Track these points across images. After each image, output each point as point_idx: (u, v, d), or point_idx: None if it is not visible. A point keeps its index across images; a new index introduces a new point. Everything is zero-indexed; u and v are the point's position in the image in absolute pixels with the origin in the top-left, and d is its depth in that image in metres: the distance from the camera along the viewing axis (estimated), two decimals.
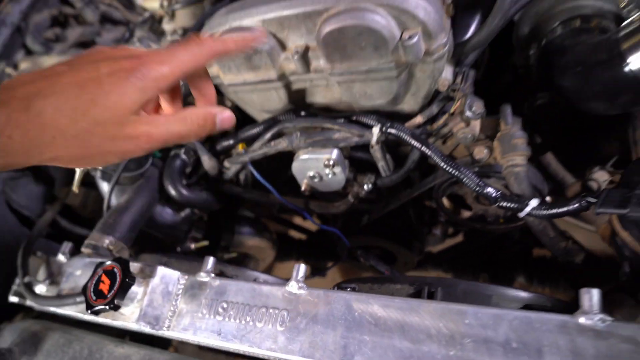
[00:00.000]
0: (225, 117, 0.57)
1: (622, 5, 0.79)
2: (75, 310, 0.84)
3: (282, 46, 0.84)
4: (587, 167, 0.98)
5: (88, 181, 1.21)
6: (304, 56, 0.81)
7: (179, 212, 1.18)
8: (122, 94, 0.46)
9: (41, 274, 0.98)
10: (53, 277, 0.95)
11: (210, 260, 0.79)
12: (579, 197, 0.66)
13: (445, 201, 1.02)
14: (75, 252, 0.99)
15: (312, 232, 1.70)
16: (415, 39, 0.71)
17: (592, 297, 0.51)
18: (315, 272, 1.47)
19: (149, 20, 1.14)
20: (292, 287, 0.68)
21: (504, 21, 0.78)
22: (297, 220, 1.65)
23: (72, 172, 1.22)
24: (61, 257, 0.97)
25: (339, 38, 0.75)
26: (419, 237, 1.26)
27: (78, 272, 0.88)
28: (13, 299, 0.97)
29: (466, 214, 1.04)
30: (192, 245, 1.20)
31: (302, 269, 0.69)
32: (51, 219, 1.13)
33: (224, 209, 1.20)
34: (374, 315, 0.60)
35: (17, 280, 0.98)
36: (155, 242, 1.20)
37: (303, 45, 0.81)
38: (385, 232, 1.21)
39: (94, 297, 0.73)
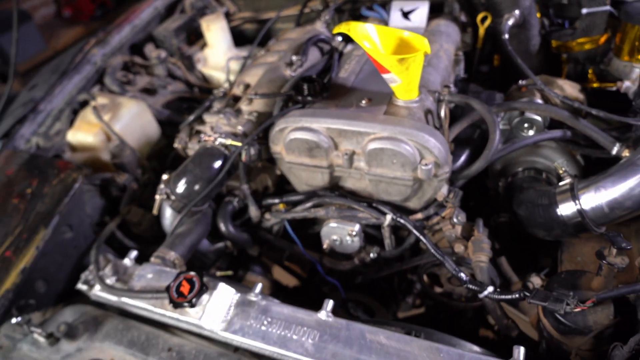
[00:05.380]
0: None
1: (560, 171, 1.20)
2: (148, 304, 1.08)
3: (335, 146, 1.20)
4: (527, 271, 1.36)
5: (147, 204, 1.49)
6: (351, 157, 1.17)
7: (213, 245, 1.46)
8: None
9: (108, 271, 1.22)
10: (118, 276, 1.20)
11: (259, 286, 1.08)
12: (519, 291, 1.01)
13: (425, 277, 1.36)
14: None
15: (299, 280, 1.98)
16: (429, 166, 1.09)
17: (520, 352, 0.85)
18: None
19: (225, 97, 1.47)
20: (322, 315, 0.99)
21: (487, 164, 1.18)
22: (293, 267, 1.94)
23: (136, 194, 1.50)
24: (127, 262, 1.23)
25: (379, 153, 1.12)
26: (396, 301, 1.58)
27: (149, 275, 1.14)
28: (82, 286, 1.20)
29: (437, 289, 1.38)
30: (217, 273, 1.47)
31: (330, 303, 1.00)
32: (113, 228, 1.39)
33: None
34: (380, 343, 0.92)
35: (88, 272, 1.22)
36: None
37: (351, 150, 1.17)
38: (371, 291, 1.52)
39: (176, 296, 1.01)
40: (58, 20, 5.48)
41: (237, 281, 1.57)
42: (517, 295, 1.02)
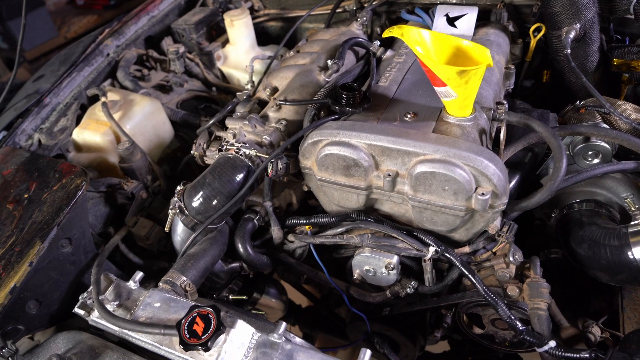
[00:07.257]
0: None
1: (632, 208, 1.05)
2: (154, 340, 0.94)
3: (376, 166, 1.05)
4: (577, 315, 1.21)
5: (155, 215, 1.35)
6: (393, 180, 1.02)
7: (227, 265, 1.32)
8: None
9: (109, 294, 1.08)
10: (121, 301, 1.06)
11: (283, 325, 0.93)
12: (590, 351, 0.86)
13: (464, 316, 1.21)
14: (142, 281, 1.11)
15: (312, 302, 1.84)
16: (487, 196, 0.94)
17: None
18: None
19: (250, 101, 1.32)
20: None
21: (551, 196, 1.02)
22: (308, 288, 1.80)
23: (144, 204, 1.36)
24: (132, 284, 1.08)
25: (428, 177, 0.97)
26: (424, 334, 1.43)
27: (157, 304, 1.00)
28: (79, 311, 1.06)
29: (477, 330, 1.23)
30: (230, 296, 1.33)
31: (367, 354, 0.86)
32: (117, 242, 1.25)
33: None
34: None
35: (86, 295, 1.07)
36: None
37: (395, 171, 1.03)
38: (398, 324, 1.37)
39: (188, 335, 0.86)
40: (71, 7, 5.35)
41: (252, 304, 1.43)
42: (587, 356, 0.87)
